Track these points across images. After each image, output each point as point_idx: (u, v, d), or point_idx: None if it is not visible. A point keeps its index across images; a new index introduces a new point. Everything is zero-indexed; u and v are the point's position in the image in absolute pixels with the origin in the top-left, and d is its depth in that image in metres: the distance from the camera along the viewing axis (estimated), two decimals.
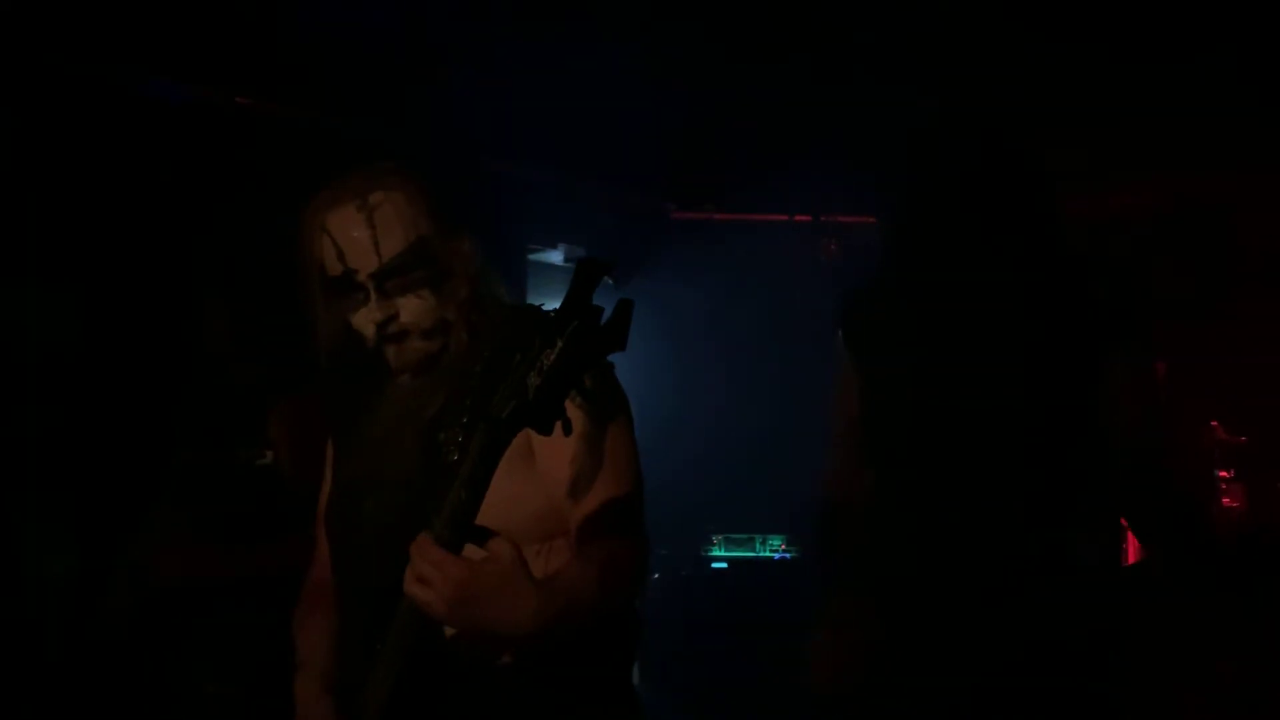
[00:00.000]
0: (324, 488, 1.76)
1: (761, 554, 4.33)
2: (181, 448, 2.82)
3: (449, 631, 1.42)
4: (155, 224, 3.23)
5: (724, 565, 4.32)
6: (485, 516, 1.33)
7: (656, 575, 4.22)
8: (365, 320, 1.56)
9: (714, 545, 4.35)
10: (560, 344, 1.23)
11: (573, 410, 1.34)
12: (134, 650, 2.79)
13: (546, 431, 1.26)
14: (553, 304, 1.68)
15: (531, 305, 1.67)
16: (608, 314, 1.25)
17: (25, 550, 2.98)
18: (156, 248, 3.21)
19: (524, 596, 1.32)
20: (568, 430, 1.29)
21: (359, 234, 1.52)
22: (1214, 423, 3.96)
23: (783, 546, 4.33)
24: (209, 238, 3.26)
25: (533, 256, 4.71)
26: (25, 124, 2.99)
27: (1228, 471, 3.93)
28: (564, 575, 1.41)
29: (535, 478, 1.49)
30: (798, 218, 4.76)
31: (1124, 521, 1.82)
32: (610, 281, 1.39)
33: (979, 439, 1.70)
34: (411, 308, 1.55)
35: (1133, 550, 2.63)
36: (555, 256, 4.77)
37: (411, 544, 1.31)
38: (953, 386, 1.72)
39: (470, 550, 1.32)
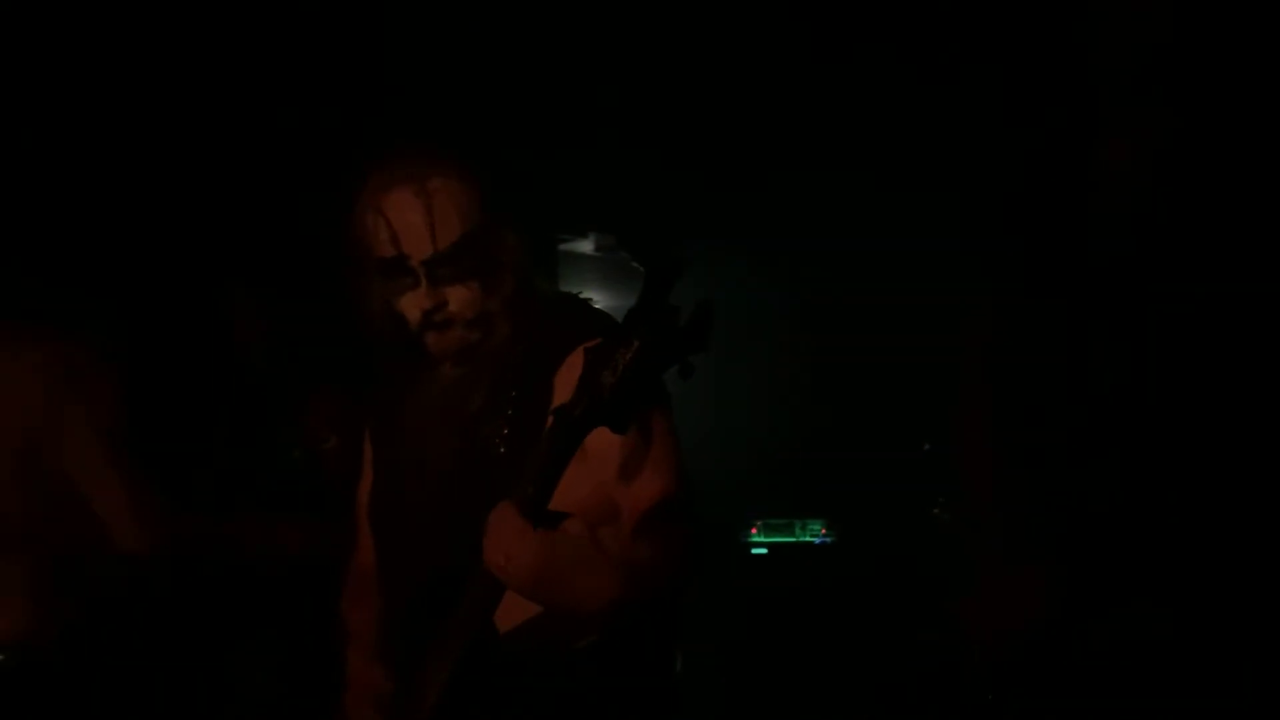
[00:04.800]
0: (364, 476, 1.76)
1: (802, 539, 4.31)
2: (219, 436, 2.85)
3: (502, 624, 1.41)
4: (181, 219, 3.24)
5: (764, 551, 4.30)
6: None
7: None
8: (412, 305, 1.55)
9: (753, 531, 4.33)
10: (637, 344, 1.22)
11: None
12: (178, 637, 2.82)
13: (622, 431, 1.26)
14: (585, 293, 1.68)
15: (568, 294, 1.66)
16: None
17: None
18: (184, 243, 3.22)
19: (602, 572, 1.33)
20: (642, 428, 1.28)
21: (416, 219, 1.51)
22: None
23: (823, 531, 4.30)
24: (236, 231, 3.27)
25: (563, 246, 4.69)
26: (50, 126, 3.01)
27: None
28: (633, 557, 1.41)
29: (585, 465, 1.49)
30: None
31: None
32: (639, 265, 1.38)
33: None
34: (459, 297, 1.54)
35: None
36: (586, 245, 4.76)
37: (492, 512, 1.31)
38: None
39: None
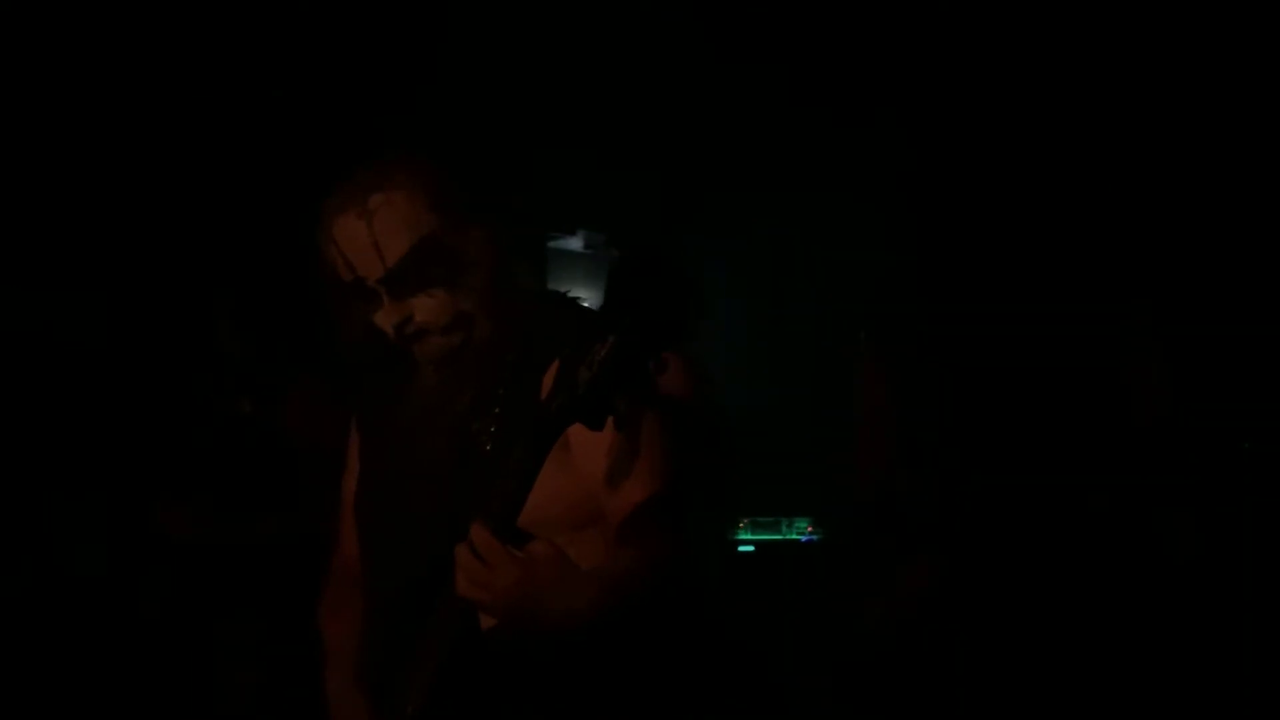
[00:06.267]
0: (348, 476, 1.76)
1: (788, 536, 4.32)
2: (199, 433, 2.85)
3: (486, 620, 1.41)
4: (163, 221, 3.25)
5: (750, 548, 4.31)
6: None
7: None
8: (383, 321, 1.55)
9: (740, 528, 4.34)
10: (613, 339, 1.22)
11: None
12: (164, 637, 2.82)
13: (598, 427, 1.25)
14: (574, 291, 1.68)
15: (555, 292, 1.67)
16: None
17: (55, 540, 3.02)
18: (167, 246, 3.23)
19: (581, 587, 1.32)
20: (620, 425, 1.28)
21: (361, 241, 1.50)
22: None
23: (809, 529, 4.31)
24: (220, 229, 3.28)
25: (551, 244, 4.70)
26: (37, 127, 3.01)
27: None
28: (613, 566, 1.41)
29: (571, 467, 1.49)
30: None
31: None
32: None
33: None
34: (426, 307, 1.54)
35: None
36: (574, 243, 4.76)
37: (459, 546, 1.30)
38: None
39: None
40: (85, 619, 2.95)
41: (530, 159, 3.83)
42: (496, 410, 1.52)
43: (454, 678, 1.41)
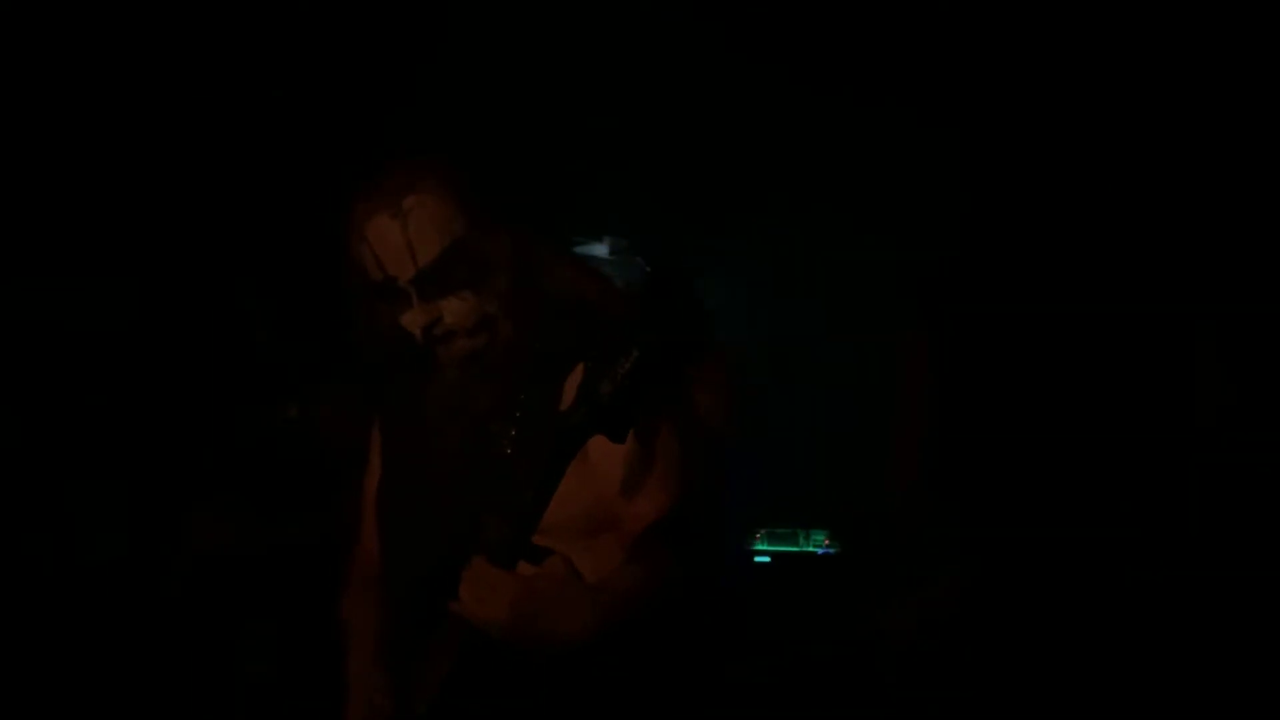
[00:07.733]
0: (370, 474, 1.78)
1: (805, 549, 4.31)
2: (227, 431, 2.88)
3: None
4: (195, 211, 3.27)
5: (767, 560, 4.30)
6: None
7: None
8: (411, 323, 1.57)
9: (757, 540, 4.33)
10: (636, 353, 1.23)
11: None
12: (181, 628, 2.84)
13: (620, 440, 1.27)
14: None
15: (578, 298, 1.68)
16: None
17: (80, 530, 3.05)
18: (198, 237, 3.25)
19: (579, 608, 1.35)
20: (640, 438, 1.30)
21: (395, 242, 1.52)
22: None
23: (826, 541, 4.30)
24: (249, 224, 3.31)
25: (578, 249, 4.70)
26: (72, 122, 3.05)
27: None
28: (615, 584, 1.42)
29: (588, 474, 1.50)
30: None
31: None
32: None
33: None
34: (454, 309, 1.56)
35: None
36: (600, 249, 4.77)
37: (469, 563, 1.33)
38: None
39: (523, 566, 1.34)
40: (104, 608, 2.98)
41: (550, 164, 3.84)
42: (517, 413, 1.54)
43: (465, 677, 1.42)
